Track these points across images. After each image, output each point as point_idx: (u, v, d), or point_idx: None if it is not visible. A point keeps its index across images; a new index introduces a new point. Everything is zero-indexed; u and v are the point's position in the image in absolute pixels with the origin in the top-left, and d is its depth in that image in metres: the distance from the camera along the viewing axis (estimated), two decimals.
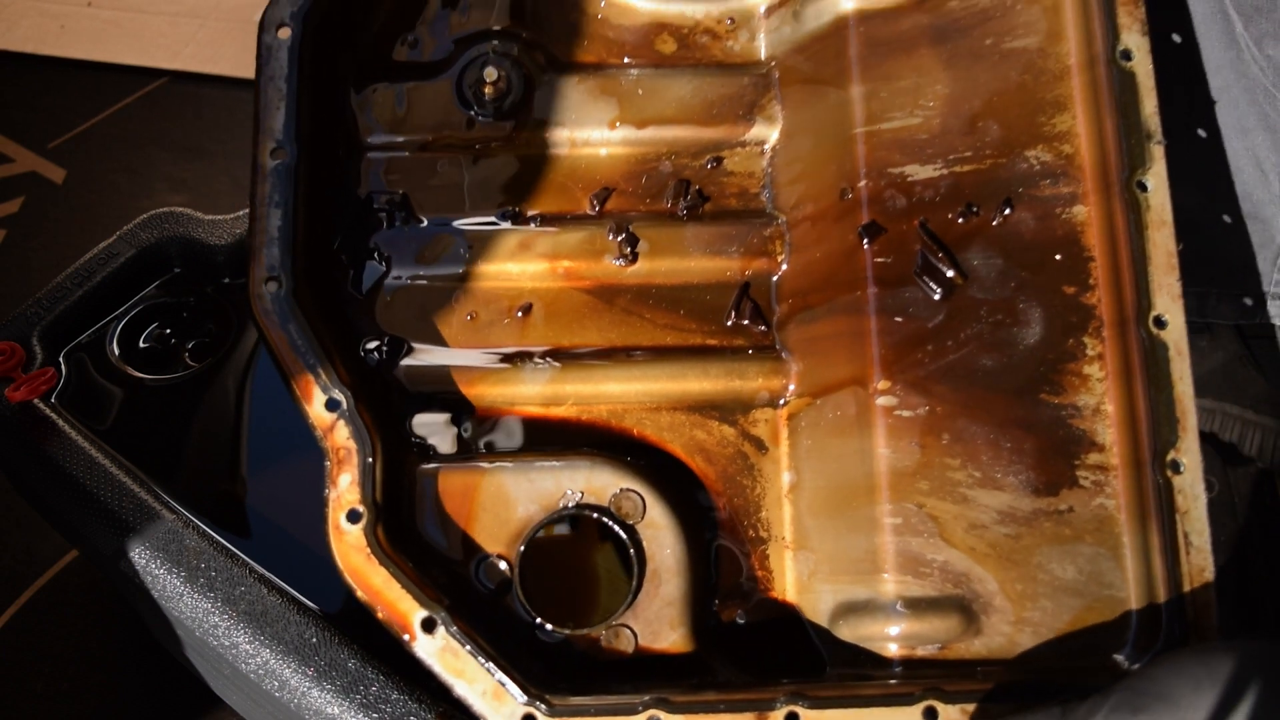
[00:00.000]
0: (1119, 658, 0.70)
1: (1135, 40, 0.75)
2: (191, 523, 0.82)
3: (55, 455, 0.84)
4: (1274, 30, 0.92)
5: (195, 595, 0.78)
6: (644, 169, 0.84)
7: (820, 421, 0.77)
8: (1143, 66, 0.75)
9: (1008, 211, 0.75)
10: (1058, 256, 0.75)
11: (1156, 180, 0.74)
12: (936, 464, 0.73)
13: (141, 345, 0.95)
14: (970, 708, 0.66)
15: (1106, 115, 0.75)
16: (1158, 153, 0.74)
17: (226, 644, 0.77)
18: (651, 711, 0.67)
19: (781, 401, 0.80)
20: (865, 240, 0.76)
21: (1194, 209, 1.12)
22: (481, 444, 0.79)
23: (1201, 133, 1.06)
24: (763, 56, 0.85)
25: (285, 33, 0.77)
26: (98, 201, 1.69)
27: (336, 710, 0.73)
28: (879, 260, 0.76)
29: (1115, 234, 0.74)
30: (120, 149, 1.77)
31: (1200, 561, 0.69)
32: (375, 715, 0.72)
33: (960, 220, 0.76)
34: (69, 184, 1.73)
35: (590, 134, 0.84)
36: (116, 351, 0.93)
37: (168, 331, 0.95)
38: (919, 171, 0.77)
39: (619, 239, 0.81)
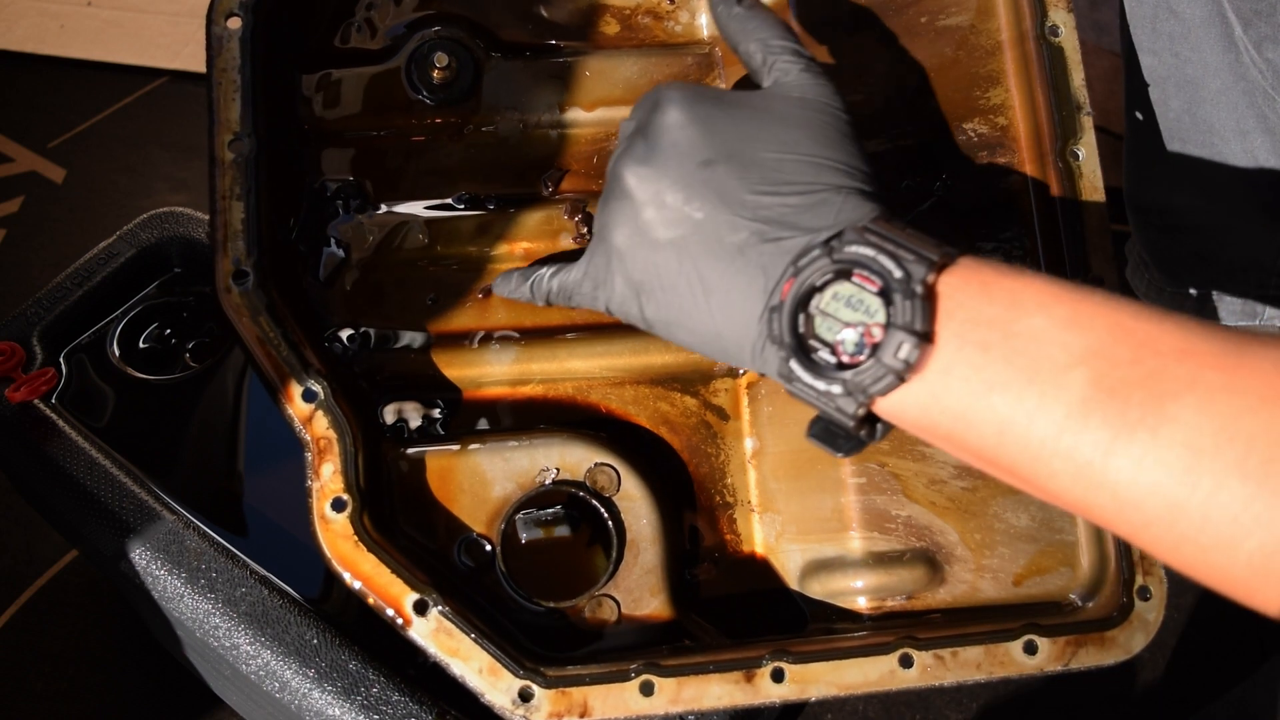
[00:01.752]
0: (1073, 596, 0.76)
1: (1062, 16, 0.80)
2: (192, 523, 0.81)
3: (55, 455, 0.82)
4: (1273, 34, 0.96)
5: (196, 596, 0.78)
6: (595, 149, 0.86)
7: (780, 389, 0.80)
8: (1070, 41, 0.79)
9: (950, 182, 0.79)
10: (998, 223, 0.79)
11: (1088, 150, 0.78)
12: None
13: (141, 345, 0.93)
14: (942, 652, 0.70)
15: (1038, 88, 0.79)
16: (1087, 123, 0.79)
17: (227, 645, 0.77)
18: (644, 676, 0.69)
19: (741, 371, 0.83)
20: None
21: (1193, 210, 1.16)
22: (453, 426, 0.80)
23: (1201, 135, 1.09)
24: (705, 36, 0.87)
25: (235, 23, 0.77)
26: (98, 201, 1.65)
27: (337, 711, 0.74)
28: None
29: (1051, 201, 0.79)
30: (120, 149, 1.72)
31: None
32: (376, 716, 0.73)
33: (905, 192, 0.80)
34: (69, 184, 1.67)
35: (541, 116, 0.85)
36: (117, 352, 0.92)
37: (168, 331, 0.94)
38: (866, 146, 0.80)
39: (576, 219, 0.83)
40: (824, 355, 0.54)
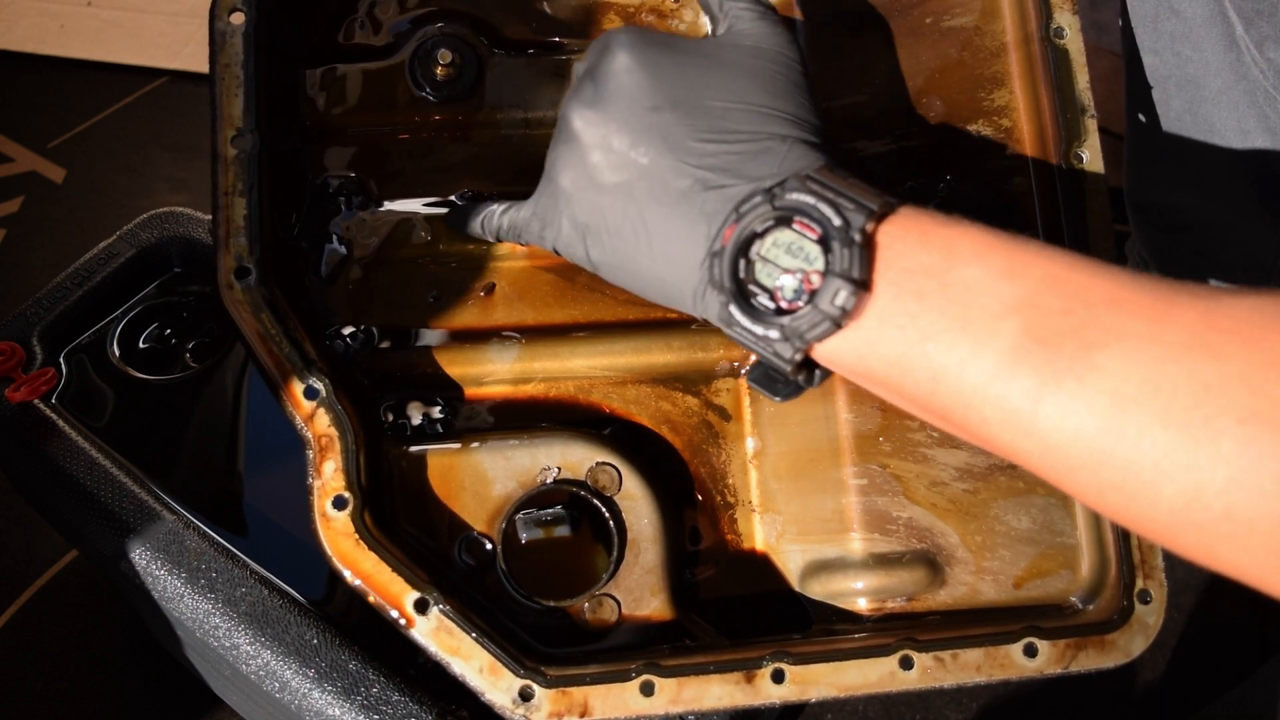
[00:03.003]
0: (1073, 599, 0.76)
1: (1067, 19, 0.79)
2: (192, 524, 0.81)
3: (55, 456, 0.82)
4: (1275, 33, 0.95)
5: (196, 596, 0.78)
6: None
7: None
8: (1075, 44, 0.79)
9: (953, 183, 0.79)
10: (1001, 225, 0.79)
11: (1091, 152, 0.78)
12: (897, 426, 0.77)
13: (141, 345, 0.93)
14: (942, 654, 0.71)
15: (1042, 90, 0.79)
16: (1092, 125, 0.79)
17: (227, 645, 0.77)
18: (644, 676, 0.69)
19: (743, 371, 0.83)
20: None
21: (1194, 210, 1.16)
22: (454, 425, 0.80)
23: (1202, 135, 1.09)
24: (709, 35, 0.87)
25: (239, 18, 0.76)
26: (98, 201, 1.65)
27: (337, 711, 0.74)
28: None
29: (1055, 203, 0.78)
30: (120, 149, 1.72)
31: None
32: (376, 716, 0.73)
33: (909, 192, 0.79)
34: (69, 184, 1.67)
35: (544, 114, 0.85)
36: (117, 352, 0.92)
37: (168, 332, 0.93)
38: (869, 147, 0.80)
39: None
40: (763, 300, 0.55)
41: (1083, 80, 0.79)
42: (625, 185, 0.60)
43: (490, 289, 0.82)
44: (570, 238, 0.64)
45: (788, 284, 0.54)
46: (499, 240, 0.72)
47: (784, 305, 0.55)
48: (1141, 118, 1.18)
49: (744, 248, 0.56)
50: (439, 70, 0.82)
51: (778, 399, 0.59)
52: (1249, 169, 1.09)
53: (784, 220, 0.55)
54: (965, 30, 0.81)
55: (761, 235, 0.55)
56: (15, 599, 1.23)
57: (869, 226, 0.53)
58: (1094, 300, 0.48)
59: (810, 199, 0.54)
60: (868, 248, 0.53)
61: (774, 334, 0.55)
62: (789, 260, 0.54)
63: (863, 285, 0.52)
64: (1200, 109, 1.08)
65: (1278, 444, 0.43)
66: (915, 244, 0.53)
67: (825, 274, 0.53)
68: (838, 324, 0.53)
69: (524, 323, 0.82)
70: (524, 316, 0.82)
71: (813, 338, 0.54)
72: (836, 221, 0.53)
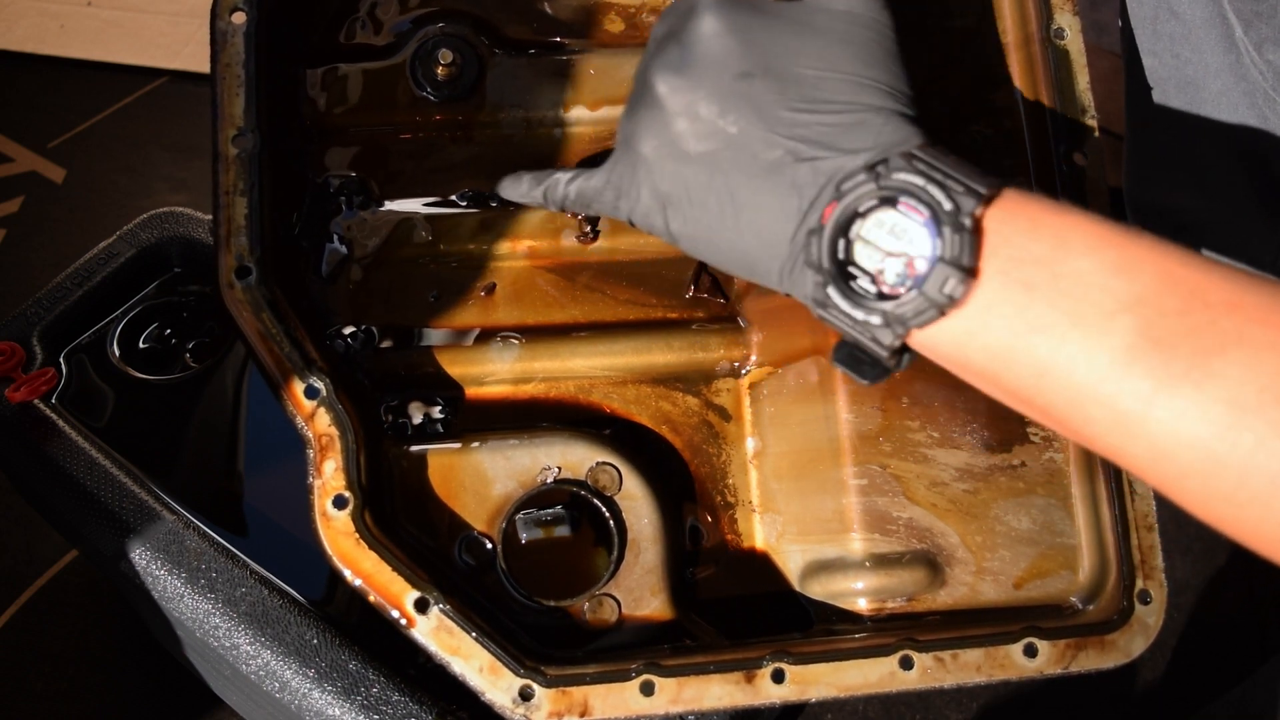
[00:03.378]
0: (1073, 600, 0.76)
1: (1068, 20, 0.79)
2: (192, 524, 0.81)
3: (55, 456, 0.82)
4: (1274, 35, 0.95)
5: (196, 596, 0.78)
6: (598, 147, 0.85)
7: (782, 389, 0.81)
8: (1075, 45, 0.79)
9: None
10: None
11: (1092, 152, 0.78)
12: (897, 426, 0.77)
13: (141, 345, 0.93)
14: (942, 654, 0.71)
15: (1043, 90, 0.79)
16: (1092, 126, 0.79)
17: (227, 645, 0.77)
18: (645, 676, 0.69)
19: (743, 371, 0.83)
20: None
21: (1193, 210, 1.16)
22: (454, 424, 0.80)
23: (1201, 136, 1.09)
24: None
25: (240, 17, 0.76)
26: (98, 201, 1.65)
27: (337, 711, 0.74)
28: None
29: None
30: (120, 149, 1.72)
31: (1144, 508, 0.74)
32: (376, 716, 0.73)
33: None
34: (69, 184, 1.68)
35: (544, 114, 0.85)
36: (117, 352, 0.92)
37: (168, 332, 0.94)
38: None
39: (579, 217, 0.83)
40: (863, 284, 0.53)
41: (1083, 81, 0.79)
42: (712, 155, 0.57)
43: (491, 289, 0.82)
44: (649, 208, 0.61)
45: (891, 268, 0.52)
46: (562, 210, 0.69)
47: (886, 290, 0.52)
48: (1141, 118, 1.18)
49: (844, 227, 0.53)
50: (440, 70, 0.82)
51: (865, 382, 0.57)
52: (1248, 170, 1.09)
53: (889, 200, 0.52)
54: (966, 31, 0.81)
55: (864, 214, 0.52)
56: (15, 599, 1.23)
57: (978, 211, 0.51)
58: (1212, 301, 0.47)
59: (918, 179, 0.52)
60: (977, 234, 0.51)
61: (875, 320, 0.53)
62: (893, 243, 0.52)
63: (971, 273, 0.50)
64: (1200, 110, 1.08)
65: None
66: (1024, 231, 0.51)
67: (933, 260, 0.51)
68: (943, 311, 0.51)
69: (524, 322, 0.82)
70: (524, 316, 0.82)
71: (916, 324, 0.52)
72: (947, 205, 0.51)
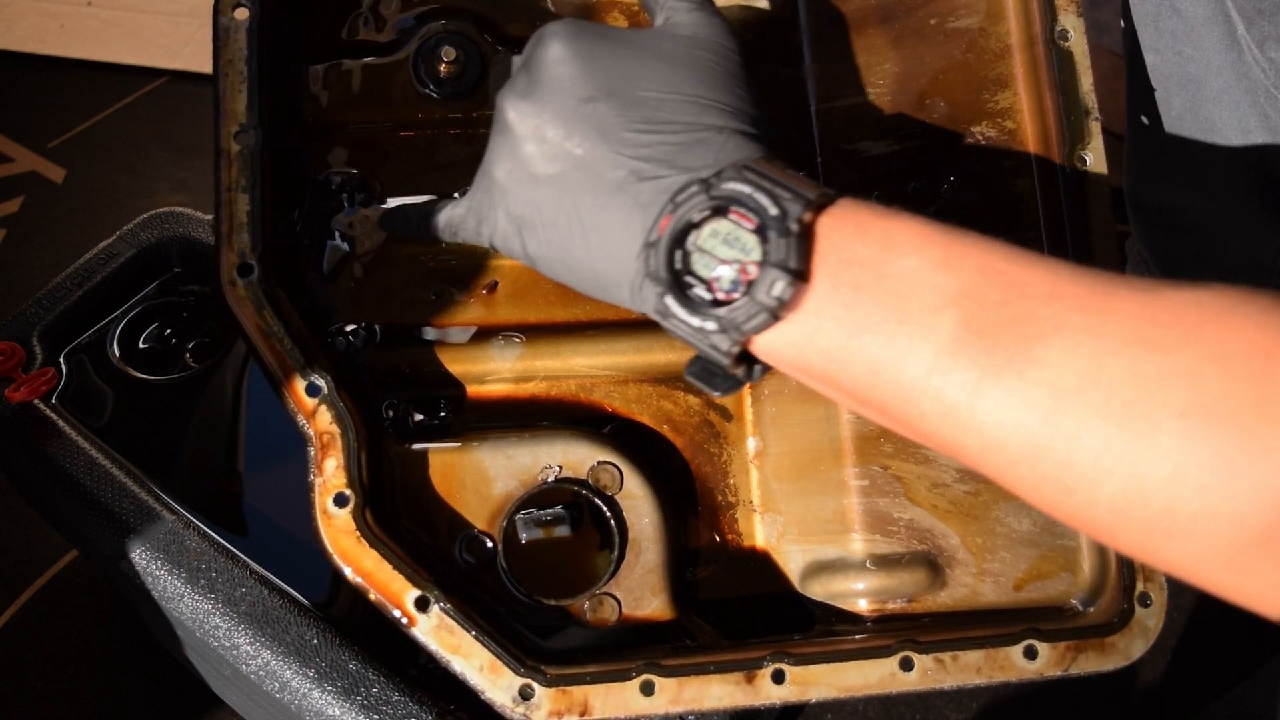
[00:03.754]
0: (1074, 602, 0.76)
1: (1072, 21, 0.79)
2: (192, 524, 0.81)
3: (55, 456, 0.82)
4: (1276, 33, 0.95)
5: (196, 596, 0.78)
6: None
7: (783, 389, 0.81)
8: (1079, 46, 0.79)
9: (956, 184, 0.79)
10: (1004, 227, 0.79)
11: (1095, 155, 0.78)
12: None
13: (141, 345, 0.93)
14: (942, 655, 0.71)
15: (1046, 92, 0.79)
16: (1095, 128, 0.79)
17: (227, 645, 0.77)
18: (645, 675, 0.69)
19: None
20: None
21: (1194, 210, 1.16)
22: (455, 423, 0.80)
23: (1202, 134, 1.09)
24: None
25: (243, 13, 0.76)
26: (98, 201, 1.65)
27: (337, 711, 0.74)
28: None
29: (1058, 206, 0.78)
30: (120, 149, 1.72)
31: None
32: (376, 716, 0.73)
33: (911, 194, 0.79)
34: (69, 184, 1.67)
35: None
36: (117, 352, 0.92)
37: (168, 331, 0.93)
38: (872, 147, 0.80)
39: None
40: (700, 292, 0.54)
41: (1087, 83, 0.79)
42: (560, 177, 0.59)
43: (492, 287, 0.82)
44: (507, 232, 0.63)
45: (725, 274, 0.53)
46: (438, 240, 0.71)
47: (721, 296, 0.53)
48: (1142, 117, 1.18)
49: (680, 238, 0.55)
50: (442, 67, 0.82)
51: (717, 394, 0.58)
52: (1250, 169, 1.09)
53: (720, 210, 0.54)
54: (969, 32, 0.81)
55: (698, 225, 0.54)
56: (15, 599, 1.23)
57: (806, 216, 0.52)
58: (1032, 293, 0.48)
59: (747, 188, 0.53)
60: (805, 238, 0.52)
61: (711, 326, 0.54)
62: (726, 251, 0.53)
63: (800, 276, 0.51)
64: (1201, 108, 1.08)
65: (1217, 438, 0.43)
66: (853, 235, 0.52)
67: (762, 264, 0.52)
68: (775, 315, 0.52)
69: (526, 321, 0.82)
70: (526, 314, 0.82)
71: (750, 329, 0.53)
72: (773, 211, 0.52)
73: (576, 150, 0.58)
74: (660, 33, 0.63)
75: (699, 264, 0.54)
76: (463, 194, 0.69)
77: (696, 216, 0.54)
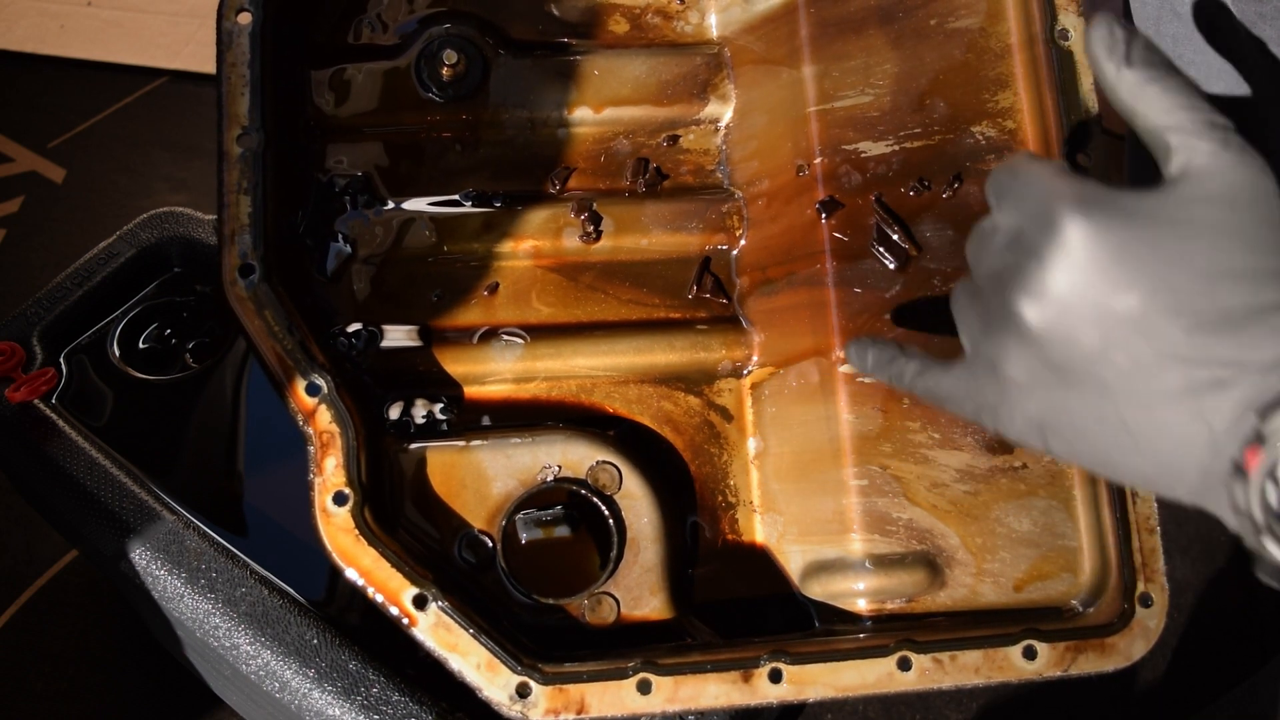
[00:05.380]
0: (1074, 602, 0.76)
1: (1072, 20, 0.79)
2: (192, 524, 0.82)
3: (55, 456, 0.83)
4: (1278, 37, 0.95)
5: (196, 596, 0.78)
6: (602, 148, 0.86)
7: (784, 390, 0.81)
8: (1079, 46, 0.79)
9: (957, 185, 0.79)
10: None
11: (1095, 155, 0.78)
12: (898, 427, 0.77)
13: (141, 345, 0.94)
14: (941, 655, 0.71)
15: (1047, 92, 0.79)
16: (1095, 128, 0.79)
17: (227, 645, 0.77)
18: (642, 674, 0.69)
19: (745, 371, 0.83)
20: (824, 215, 0.79)
21: None
22: (456, 423, 0.80)
23: None
24: (714, 36, 0.87)
25: (246, 17, 0.77)
26: (98, 201, 1.65)
27: (337, 711, 0.74)
28: (836, 235, 0.79)
29: None
30: (120, 149, 1.73)
31: (1146, 510, 0.74)
32: (376, 716, 0.74)
33: (912, 194, 0.79)
34: (69, 184, 1.68)
35: (548, 114, 0.85)
36: (117, 352, 0.92)
37: (168, 332, 0.94)
38: (872, 148, 0.80)
39: (583, 217, 0.83)
40: None
41: (1087, 82, 0.79)
42: (1098, 386, 0.51)
43: (494, 288, 0.82)
44: (1024, 430, 0.56)
45: None
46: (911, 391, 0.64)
47: None
48: None
49: (1271, 472, 0.46)
50: (445, 71, 0.83)
51: None
52: None
53: None
54: (970, 32, 0.81)
55: None
56: (15, 599, 1.23)
57: None
58: None
59: None
60: None
61: None
62: None
63: None
64: None
65: None
66: None
67: None
68: None
69: (527, 321, 0.82)
70: (527, 316, 0.83)
71: None
72: None
73: (1117, 357, 0.50)
74: (1183, 194, 0.52)
75: None
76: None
77: None
